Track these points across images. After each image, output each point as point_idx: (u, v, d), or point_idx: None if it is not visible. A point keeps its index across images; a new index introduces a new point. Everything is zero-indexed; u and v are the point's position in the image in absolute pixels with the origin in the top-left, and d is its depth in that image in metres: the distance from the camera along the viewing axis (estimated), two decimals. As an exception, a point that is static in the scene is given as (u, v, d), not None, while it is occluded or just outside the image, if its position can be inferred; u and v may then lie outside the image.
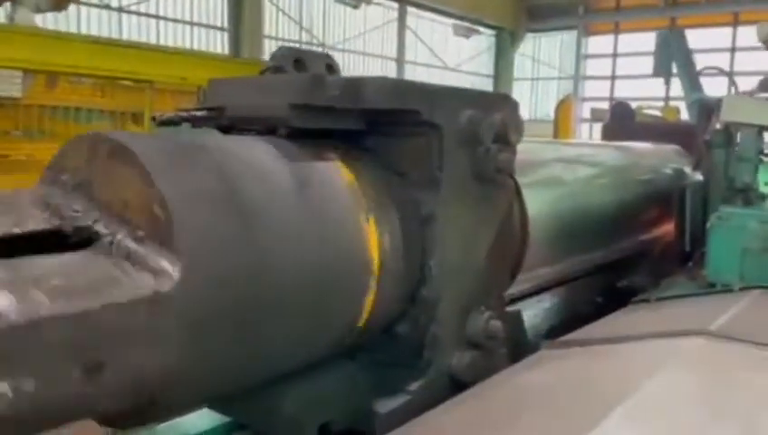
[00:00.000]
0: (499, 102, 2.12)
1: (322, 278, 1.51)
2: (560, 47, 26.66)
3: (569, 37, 26.19)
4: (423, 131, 1.90)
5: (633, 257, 3.74)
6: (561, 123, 12.07)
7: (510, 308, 2.56)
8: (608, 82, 25.22)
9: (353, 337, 1.76)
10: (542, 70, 27.16)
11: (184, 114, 1.79)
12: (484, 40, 26.27)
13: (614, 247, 3.43)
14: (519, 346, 2.52)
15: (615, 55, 25.12)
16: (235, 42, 15.35)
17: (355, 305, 1.68)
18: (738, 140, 3.44)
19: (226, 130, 1.95)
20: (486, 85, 26.88)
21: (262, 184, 1.40)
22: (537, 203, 2.66)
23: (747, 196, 3.01)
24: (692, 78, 3.92)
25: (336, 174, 1.70)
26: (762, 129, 3.44)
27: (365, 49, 20.59)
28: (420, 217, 1.91)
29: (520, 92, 27.27)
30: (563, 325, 3.52)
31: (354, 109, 1.76)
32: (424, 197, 1.92)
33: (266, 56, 16.59)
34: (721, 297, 2.43)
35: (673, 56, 4.11)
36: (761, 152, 3.53)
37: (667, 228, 3.55)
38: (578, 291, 3.85)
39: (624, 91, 23.12)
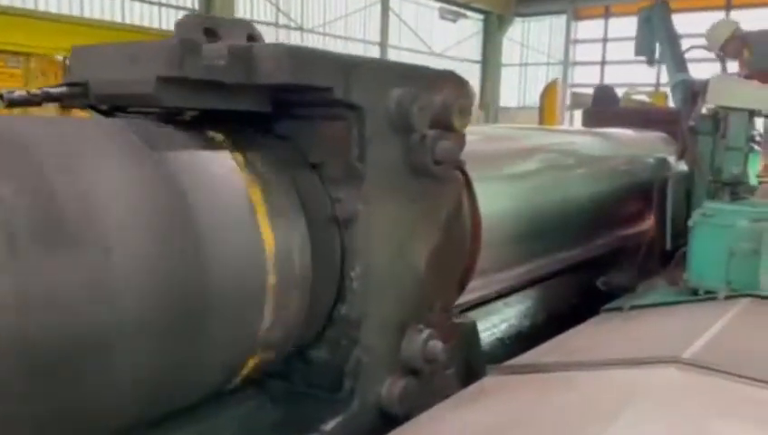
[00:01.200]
0: (440, 80, 1.81)
1: (188, 302, 1.19)
2: (549, 32, 26.38)
3: (558, 21, 25.90)
4: (341, 114, 1.59)
5: (611, 255, 3.46)
6: (546, 110, 11.76)
7: (463, 320, 2.28)
8: (598, 68, 24.99)
9: (248, 369, 1.45)
10: (531, 55, 26.88)
11: (36, 92, 1.47)
12: (472, 24, 25.93)
13: (590, 245, 3.15)
14: (473, 365, 2.24)
15: (605, 40, 24.87)
16: (206, 24, 14.82)
17: (244, 331, 1.37)
18: (727, 126, 3.17)
19: (107, 111, 1.64)
20: (474, 71, 26.59)
21: (91, 183, 1.08)
22: (499, 198, 2.36)
23: (735, 189, 2.73)
24: (676, 57, 3.63)
25: (221, 167, 1.39)
26: (752, 113, 3.16)
27: (346, 33, 20.17)
28: (338, 218, 1.60)
29: (508, 79, 27.03)
30: (535, 330, 3.26)
31: (249, 85, 1.44)
32: (343, 193, 1.61)
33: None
34: (703, 308, 2.15)
35: (655, 33, 3.84)
36: (751, 140, 3.26)
37: (648, 224, 3.28)
38: (551, 291, 3.57)
39: (614, 77, 22.89)
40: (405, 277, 1.79)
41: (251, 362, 1.41)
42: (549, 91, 12.75)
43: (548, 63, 26.25)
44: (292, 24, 18.21)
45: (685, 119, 3.21)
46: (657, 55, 4.07)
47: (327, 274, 1.57)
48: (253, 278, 1.34)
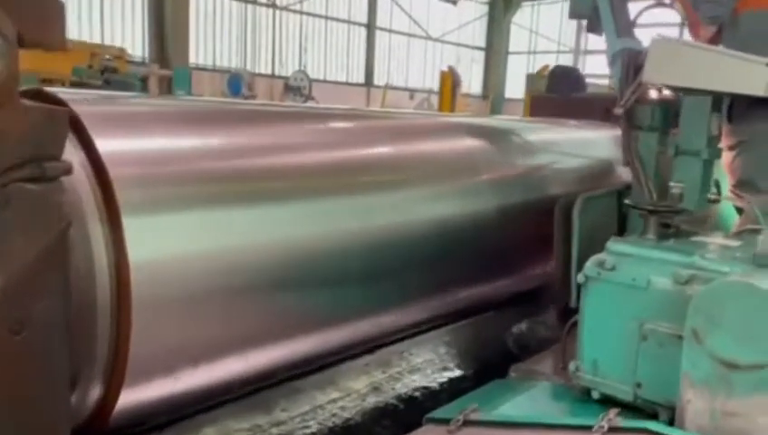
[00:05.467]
0: None
1: None
2: (560, 17, 25.30)
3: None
4: None
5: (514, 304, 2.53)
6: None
7: None
8: (612, 58, 23.89)
9: None
10: (540, 42, 25.85)
11: None
12: (475, 7, 24.91)
13: (465, 292, 2.23)
14: None
15: (621, 27, 23.79)
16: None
17: None
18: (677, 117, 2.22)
19: None
20: (477, 59, 25.64)
21: None
22: (278, 224, 1.45)
23: (669, 218, 1.76)
24: (618, 16, 2.67)
25: None
26: (719, 99, 2.20)
27: (328, 12, 19.13)
28: None
29: (515, 68, 26.00)
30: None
31: None
32: None
33: (193, 13, 15.12)
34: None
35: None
36: (716, 138, 2.29)
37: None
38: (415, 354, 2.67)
39: (630, 68, 21.77)
40: None
41: None
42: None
43: (558, 52, 25.22)
44: (265, 1, 17.22)
45: (619, 104, 2.25)
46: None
47: None
48: None
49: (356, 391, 2.48)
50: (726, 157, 2.64)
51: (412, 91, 21.43)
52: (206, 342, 1.36)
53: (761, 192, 2.52)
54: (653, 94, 2.38)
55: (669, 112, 2.28)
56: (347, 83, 20.01)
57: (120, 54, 10.06)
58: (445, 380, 2.69)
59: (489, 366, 2.50)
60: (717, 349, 1.29)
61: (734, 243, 1.74)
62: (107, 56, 9.19)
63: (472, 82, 25.40)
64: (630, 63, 2.36)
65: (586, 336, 1.58)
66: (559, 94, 4.21)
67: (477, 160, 2.22)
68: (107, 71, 8.69)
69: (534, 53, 26.28)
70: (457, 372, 2.75)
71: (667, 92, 2.40)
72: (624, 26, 2.59)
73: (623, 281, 1.52)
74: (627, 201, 1.82)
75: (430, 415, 1.59)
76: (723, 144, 2.68)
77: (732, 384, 1.28)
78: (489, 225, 2.17)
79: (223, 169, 1.36)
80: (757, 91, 1.89)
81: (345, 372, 2.58)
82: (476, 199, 2.15)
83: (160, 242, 1.22)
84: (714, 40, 2.69)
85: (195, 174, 1.31)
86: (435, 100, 21.06)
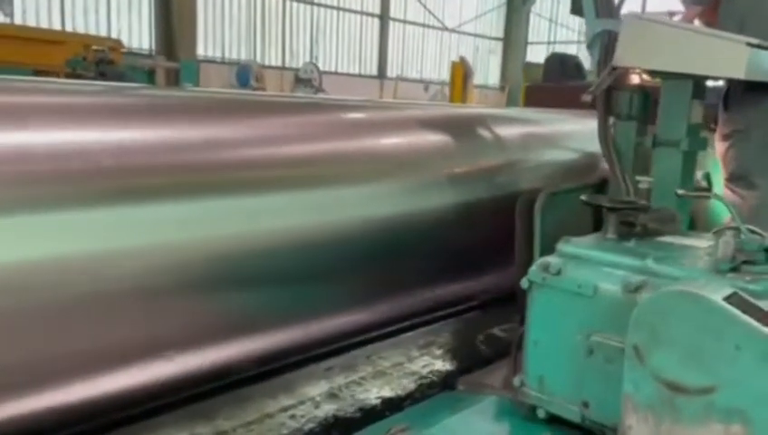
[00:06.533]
0: None
1: None
2: (581, 6, 24.91)
3: (592, -7, 24.41)
4: None
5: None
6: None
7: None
8: (634, 48, 23.48)
9: None
10: (560, 32, 25.49)
11: None
12: (493, -4, 24.64)
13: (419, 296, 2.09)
14: None
15: (644, 16, 23.35)
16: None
17: None
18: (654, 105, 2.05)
19: None
20: (495, 49, 25.35)
21: None
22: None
23: (632, 217, 1.60)
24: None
25: None
26: (701, 83, 2.03)
27: (340, 3, 18.98)
28: None
29: (534, 58, 25.67)
30: None
31: None
32: None
33: (200, 4, 15.03)
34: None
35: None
36: (706, 127, 2.12)
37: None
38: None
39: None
40: None
41: None
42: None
43: (579, 42, 24.81)
44: (277, -8, 17.11)
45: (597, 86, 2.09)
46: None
47: None
48: None
49: (311, 398, 2.35)
50: (720, 147, 2.46)
51: (427, 83, 21.23)
52: (97, 351, 1.23)
53: (756, 188, 2.35)
54: (635, 79, 2.22)
55: (650, 99, 2.12)
56: (359, 75, 19.87)
57: (115, 46, 9.96)
58: (412, 386, 2.55)
59: (460, 371, 2.36)
60: (661, 369, 1.14)
61: (707, 244, 1.57)
62: (101, 47, 9.10)
63: (490, 73, 25.13)
64: (609, 46, 2.20)
65: (531, 349, 1.43)
66: (554, 83, 4.05)
67: (437, 154, 2.07)
68: (102, 62, 8.62)
69: (554, 42, 25.93)
70: (426, 378, 2.60)
71: (647, 77, 2.23)
72: (605, 6, 2.42)
73: (568, 287, 1.36)
74: (582, 197, 1.66)
75: (359, 434, 1.46)
76: (717, 134, 2.51)
77: (678, 409, 1.13)
78: (450, 223, 2.02)
79: (111, 166, 1.22)
80: (737, 73, 1.72)
81: (304, 377, 2.45)
82: (435, 196, 2.00)
83: (20, 244, 1.09)
84: (707, 20, 2.52)
85: (77, 171, 1.18)
86: (448, 91, 20.84)
